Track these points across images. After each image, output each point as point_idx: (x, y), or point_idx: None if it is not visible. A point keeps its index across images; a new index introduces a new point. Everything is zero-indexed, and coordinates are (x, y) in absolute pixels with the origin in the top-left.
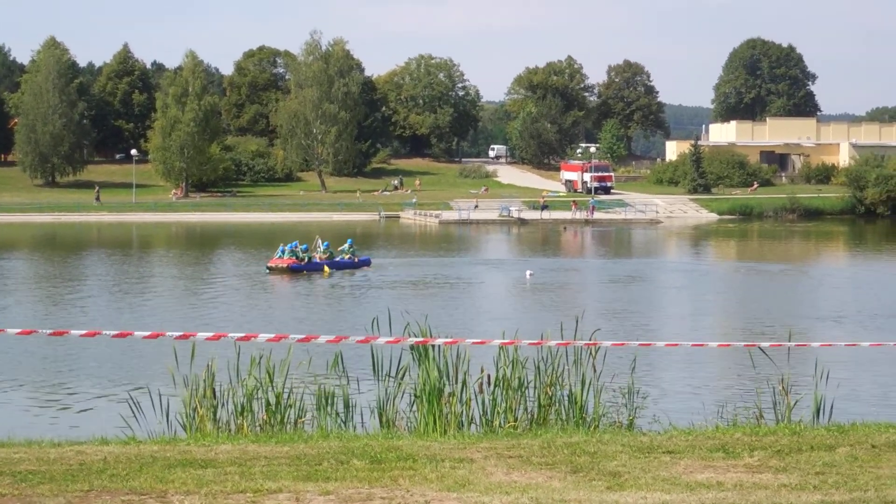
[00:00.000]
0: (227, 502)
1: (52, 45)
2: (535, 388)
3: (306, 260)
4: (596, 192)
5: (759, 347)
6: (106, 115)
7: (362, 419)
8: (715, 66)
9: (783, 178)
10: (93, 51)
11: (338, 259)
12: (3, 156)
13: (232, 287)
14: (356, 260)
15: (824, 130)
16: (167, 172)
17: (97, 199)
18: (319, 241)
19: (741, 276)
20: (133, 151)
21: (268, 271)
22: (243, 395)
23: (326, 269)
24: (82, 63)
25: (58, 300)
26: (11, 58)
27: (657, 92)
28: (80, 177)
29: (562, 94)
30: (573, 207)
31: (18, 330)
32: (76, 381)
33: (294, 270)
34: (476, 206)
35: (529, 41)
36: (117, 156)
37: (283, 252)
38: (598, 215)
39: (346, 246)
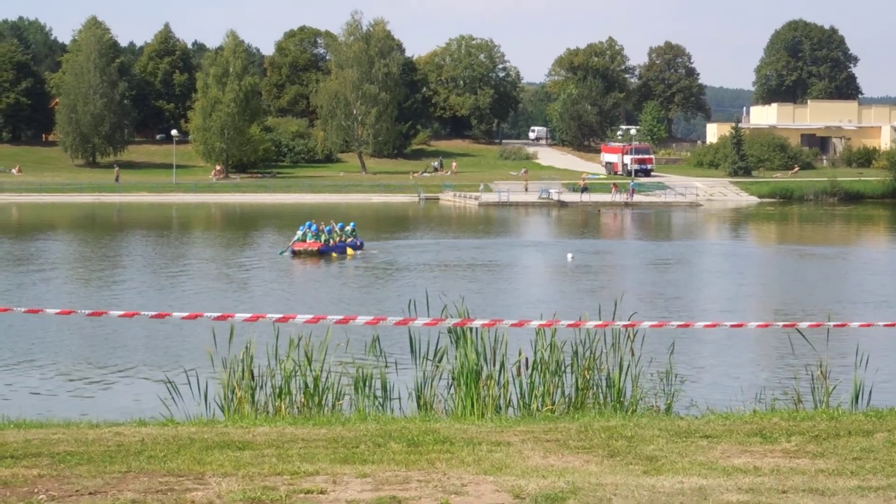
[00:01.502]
0: (264, 484)
1: (94, 25)
2: (572, 371)
3: (330, 242)
4: (636, 175)
5: (798, 329)
6: (146, 96)
7: (400, 402)
8: (756, 49)
9: (824, 161)
10: (134, 31)
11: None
12: (44, 136)
13: (267, 269)
14: (345, 241)
15: (866, 113)
16: (207, 153)
17: (116, 179)
18: (334, 224)
19: (781, 259)
20: (173, 132)
21: (290, 255)
22: (281, 377)
23: (350, 250)
24: (123, 43)
25: (97, 281)
26: (53, 37)
27: (698, 74)
28: (120, 157)
29: (602, 76)
30: (613, 190)
31: (57, 310)
32: (114, 362)
33: (322, 253)
34: (526, 190)
35: (570, 22)
36: (158, 136)
37: (304, 235)
38: (638, 198)
39: (347, 228)
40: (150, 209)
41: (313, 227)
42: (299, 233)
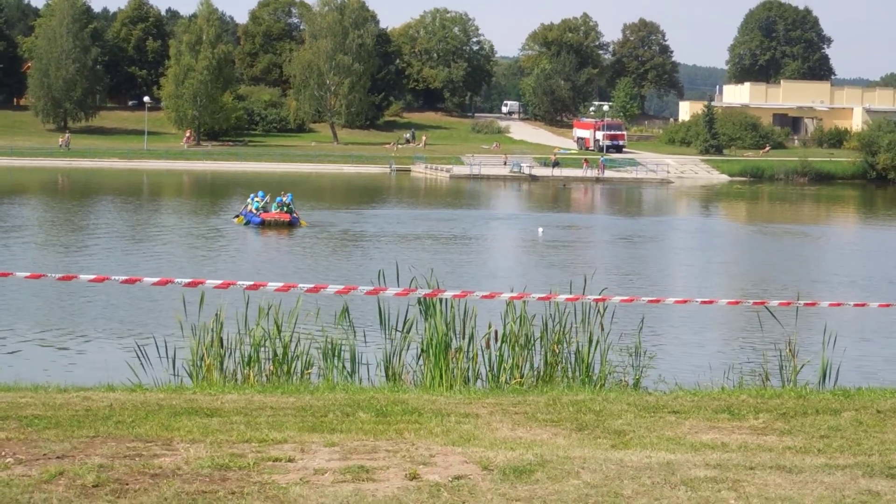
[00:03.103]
0: (232, 451)
1: None
2: (542, 345)
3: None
4: (608, 151)
5: (767, 308)
6: (119, 62)
7: (368, 372)
8: (730, 27)
9: (795, 141)
10: None
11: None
12: (15, 100)
13: (237, 238)
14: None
15: (838, 95)
16: (179, 120)
17: (66, 145)
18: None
19: (751, 237)
20: (146, 98)
21: (257, 223)
22: (251, 345)
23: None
24: (97, 8)
25: (67, 245)
26: (26, 1)
27: (672, 52)
28: (92, 123)
29: (576, 52)
30: (584, 165)
31: (27, 274)
32: (83, 327)
33: (292, 225)
34: (505, 164)
35: None
36: (130, 102)
37: (254, 204)
38: (609, 174)
39: (283, 199)
40: (120, 175)
41: (265, 197)
42: (251, 202)
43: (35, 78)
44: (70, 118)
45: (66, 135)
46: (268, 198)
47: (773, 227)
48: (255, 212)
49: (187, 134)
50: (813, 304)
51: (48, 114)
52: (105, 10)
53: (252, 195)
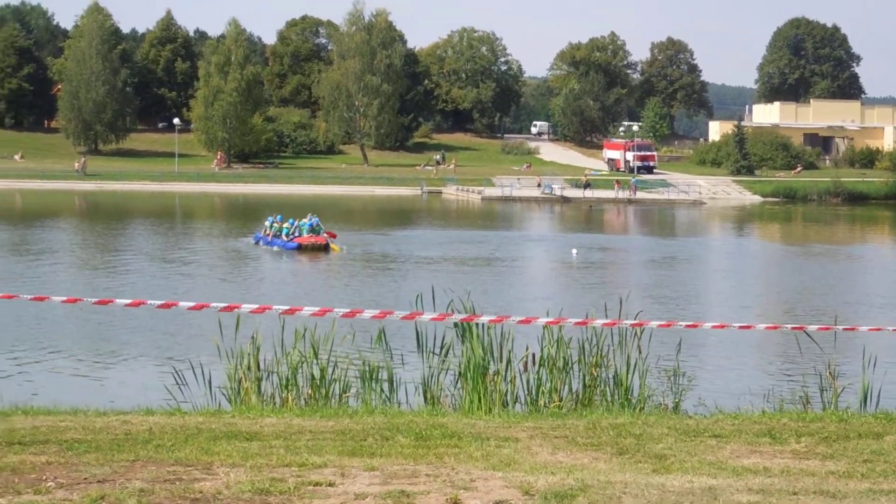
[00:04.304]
0: (272, 475)
1: (96, 11)
2: (579, 368)
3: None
4: (638, 172)
5: (806, 332)
6: (149, 83)
7: (407, 396)
8: (759, 46)
9: (827, 161)
10: (136, 17)
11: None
12: (46, 122)
13: (271, 261)
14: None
15: (868, 114)
16: (209, 142)
17: (82, 170)
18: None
19: (787, 258)
20: (175, 120)
21: (293, 248)
22: (288, 368)
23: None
24: (125, 29)
25: (102, 269)
26: (55, 23)
27: (700, 71)
28: (122, 145)
29: (605, 71)
30: (616, 186)
31: (63, 298)
32: (121, 351)
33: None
34: (539, 185)
35: (572, 16)
36: (160, 124)
37: (273, 226)
38: (640, 195)
39: (311, 222)
40: (151, 198)
41: (293, 222)
42: (267, 224)
43: (65, 100)
44: (100, 140)
45: (82, 159)
46: (296, 222)
47: (808, 248)
48: (284, 237)
49: (219, 156)
50: (852, 329)
51: (79, 136)
52: (134, 31)
53: (270, 217)
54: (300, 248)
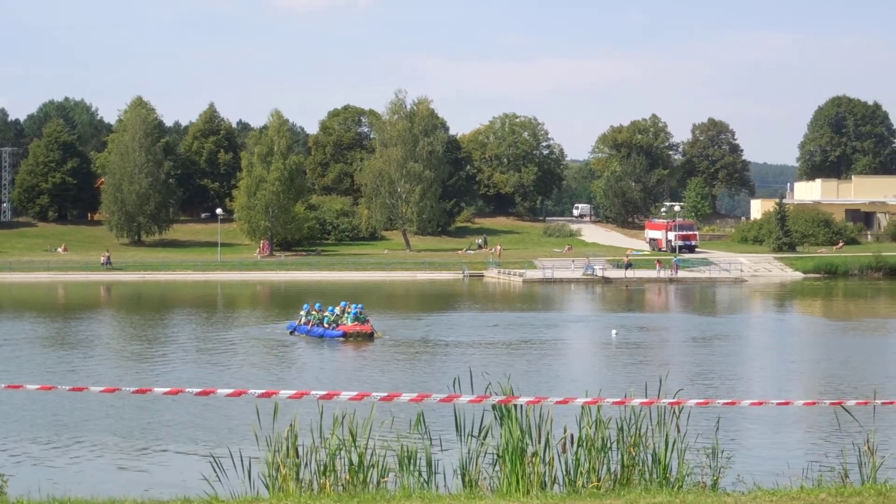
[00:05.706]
0: None
1: (139, 105)
2: (618, 447)
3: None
4: (680, 251)
5: (844, 407)
6: (191, 174)
7: (445, 479)
8: (800, 124)
9: (868, 236)
10: (179, 110)
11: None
12: (89, 215)
13: (310, 347)
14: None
15: None
16: (252, 231)
17: (108, 262)
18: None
19: (827, 334)
20: (218, 210)
21: (339, 338)
22: (326, 453)
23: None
24: (168, 122)
25: (141, 359)
26: (98, 117)
27: (742, 150)
28: (165, 236)
29: (646, 153)
30: (657, 266)
31: (101, 388)
32: (158, 440)
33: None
34: (588, 264)
35: (614, 99)
36: (203, 214)
37: (310, 314)
38: (682, 274)
39: (355, 310)
40: (194, 287)
41: (333, 310)
42: (303, 313)
43: (108, 193)
44: (143, 232)
45: (107, 252)
46: (337, 310)
47: (848, 323)
48: (325, 325)
49: (262, 245)
50: (890, 403)
51: (122, 228)
52: (177, 124)
53: (306, 305)
54: (345, 337)
